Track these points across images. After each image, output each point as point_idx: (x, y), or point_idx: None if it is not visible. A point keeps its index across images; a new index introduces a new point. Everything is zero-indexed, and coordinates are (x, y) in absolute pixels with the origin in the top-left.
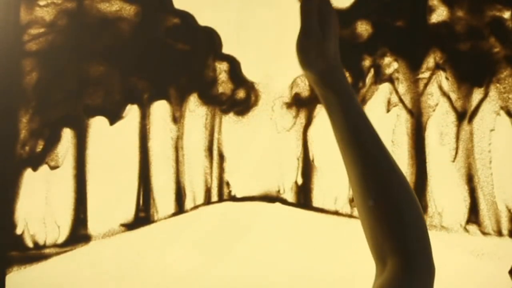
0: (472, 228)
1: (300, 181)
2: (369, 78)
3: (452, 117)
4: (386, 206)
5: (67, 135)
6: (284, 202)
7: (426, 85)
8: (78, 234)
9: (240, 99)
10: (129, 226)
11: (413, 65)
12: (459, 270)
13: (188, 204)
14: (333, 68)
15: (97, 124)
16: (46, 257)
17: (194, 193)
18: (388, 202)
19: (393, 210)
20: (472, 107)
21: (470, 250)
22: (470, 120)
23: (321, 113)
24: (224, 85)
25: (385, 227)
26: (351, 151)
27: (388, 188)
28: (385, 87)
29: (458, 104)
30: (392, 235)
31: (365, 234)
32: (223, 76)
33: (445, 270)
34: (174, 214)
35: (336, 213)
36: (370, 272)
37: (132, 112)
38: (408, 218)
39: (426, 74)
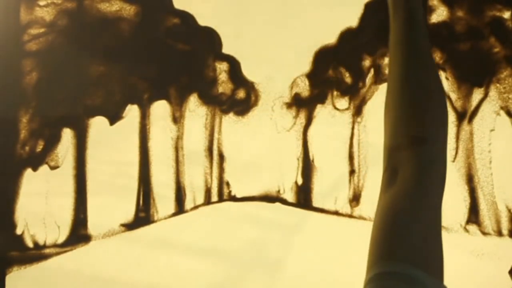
0: (472, 228)
1: (300, 181)
2: (369, 78)
3: (452, 117)
4: (419, 101)
5: (67, 135)
6: (284, 202)
7: None
8: (78, 234)
9: (240, 99)
10: (129, 226)
11: None
12: (459, 270)
13: (188, 204)
14: None
15: (97, 124)
16: (46, 257)
17: (194, 193)
18: (423, 99)
19: (424, 106)
20: (472, 107)
21: (470, 250)
22: (470, 120)
23: (321, 113)
24: (224, 85)
25: (410, 118)
26: (405, 52)
27: (427, 89)
28: (385, 87)
29: (458, 104)
30: (414, 123)
31: (385, 132)
32: (223, 76)
33: (445, 270)
34: (174, 214)
35: (336, 213)
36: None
37: (132, 112)
38: (436, 120)
39: None
